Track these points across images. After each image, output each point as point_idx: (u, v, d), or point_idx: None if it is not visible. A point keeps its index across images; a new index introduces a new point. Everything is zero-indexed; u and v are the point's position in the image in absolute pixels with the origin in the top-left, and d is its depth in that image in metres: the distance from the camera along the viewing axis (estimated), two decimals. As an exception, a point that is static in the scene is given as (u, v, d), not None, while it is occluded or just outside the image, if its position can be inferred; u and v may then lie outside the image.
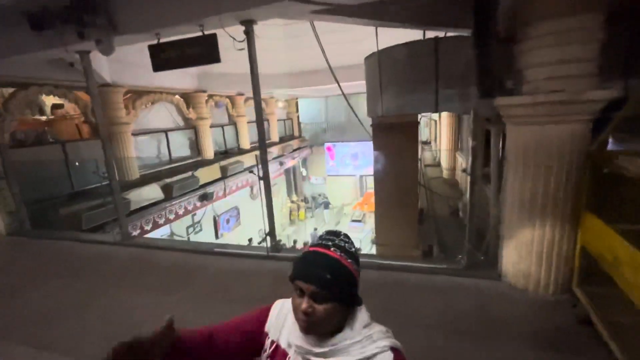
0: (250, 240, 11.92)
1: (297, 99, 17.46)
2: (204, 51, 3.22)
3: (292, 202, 16.99)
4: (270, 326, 0.87)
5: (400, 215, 5.23)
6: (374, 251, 12.64)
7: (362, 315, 0.81)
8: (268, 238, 3.89)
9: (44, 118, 8.95)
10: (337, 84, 10.67)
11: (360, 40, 8.59)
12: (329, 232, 0.90)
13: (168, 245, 4.24)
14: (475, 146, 2.95)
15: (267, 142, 14.14)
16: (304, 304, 0.74)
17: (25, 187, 5.31)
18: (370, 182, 21.48)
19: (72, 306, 3.01)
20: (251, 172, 4.11)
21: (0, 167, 4.90)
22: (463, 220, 5.20)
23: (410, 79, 3.66)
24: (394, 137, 5.03)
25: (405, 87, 3.72)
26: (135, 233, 6.72)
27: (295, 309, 0.76)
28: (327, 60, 5.17)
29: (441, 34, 3.66)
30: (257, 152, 12.63)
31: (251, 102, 12.99)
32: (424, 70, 3.54)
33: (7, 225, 5.01)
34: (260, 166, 3.76)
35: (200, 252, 3.99)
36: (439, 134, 9.60)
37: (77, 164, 6.34)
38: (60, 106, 8.77)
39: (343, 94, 6.41)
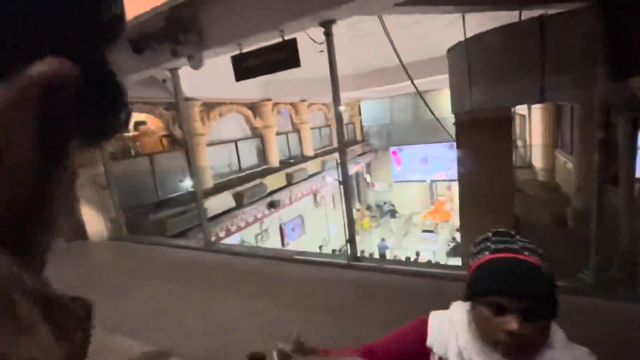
0: (320, 247, 12.10)
1: (359, 101, 17.53)
2: (285, 57, 3.41)
3: (357, 210, 16.90)
4: (433, 341, 0.83)
5: (492, 225, 4.82)
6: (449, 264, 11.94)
7: (559, 331, 0.73)
8: (348, 246, 3.90)
9: (130, 134, 10.41)
10: (407, 82, 10.46)
11: (430, 34, 8.31)
12: (500, 233, 0.84)
13: (249, 252, 4.52)
14: (603, 139, 2.59)
15: (328, 148, 14.47)
16: (514, 324, 0.65)
17: (120, 196, 6.19)
18: (441, 189, 20.49)
19: (171, 306, 3.37)
20: (335, 178, 4.18)
21: (104, 178, 5.78)
22: (575, 231, 4.60)
23: (507, 67, 3.40)
24: (483, 135, 4.70)
25: (500, 76, 3.47)
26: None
27: (494, 329, 0.68)
28: (398, 56, 5.09)
29: (533, 13, 3.34)
30: (322, 159, 12.84)
31: (314, 108, 13.38)
32: (524, 55, 3.27)
33: (110, 230, 5.87)
34: (340, 170, 3.81)
35: (280, 259, 4.17)
36: (529, 130, 8.72)
37: (161, 174, 7.17)
38: (143, 122, 10.13)
39: (417, 90, 6.23)
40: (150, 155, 7.08)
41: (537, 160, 7.64)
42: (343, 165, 3.78)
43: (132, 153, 7.90)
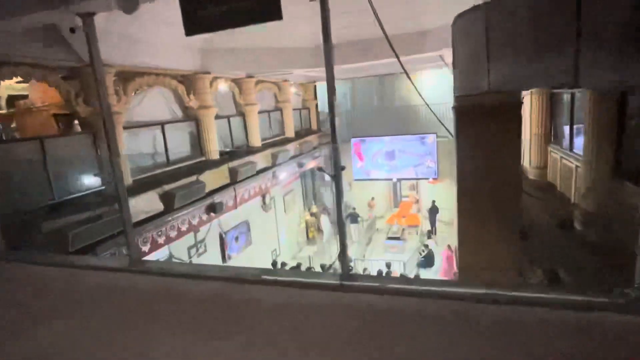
0: (274, 264, 11.73)
1: (314, 82, 17.33)
2: (260, 4, 2.97)
3: (312, 214, 16.74)
4: None
5: (495, 230, 4.90)
6: (422, 277, 12.35)
7: None
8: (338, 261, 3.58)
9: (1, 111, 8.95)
10: (375, 60, 10.47)
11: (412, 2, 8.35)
12: None
13: (197, 272, 3.97)
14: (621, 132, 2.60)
15: (280, 137, 14.10)
16: None
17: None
18: (405, 190, 21.27)
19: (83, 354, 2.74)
20: (320, 169, 3.84)
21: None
22: (585, 235, 4.84)
23: (533, 40, 3.35)
24: (487, 124, 4.73)
25: (526, 51, 3.41)
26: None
27: None
28: (383, 28, 4.91)
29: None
30: (273, 151, 12.48)
31: (262, 87, 12.89)
32: (555, 25, 3.23)
33: (-22, 246, 4.82)
34: (333, 158, 3.48)
35: (243, 281, 3.70)
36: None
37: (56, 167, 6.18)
38: (23, 96, 8.74)
39: (405, 71, 6.14)
40: (41, 140, 6.06)
41: (528, 156, 8.10)
42: (335, 154, 3.45)
43: (15, 136, 6.72)
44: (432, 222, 16.70)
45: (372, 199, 19.25)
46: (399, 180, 17.89)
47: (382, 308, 3.18)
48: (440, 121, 7.14)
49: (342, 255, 3.72)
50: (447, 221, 16.68)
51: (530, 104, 7.83)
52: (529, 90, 7.63)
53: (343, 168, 3.75)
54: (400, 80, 16.82)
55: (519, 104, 4.69)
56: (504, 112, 4.58)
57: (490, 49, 3.58)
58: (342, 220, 3.84)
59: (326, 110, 18.07)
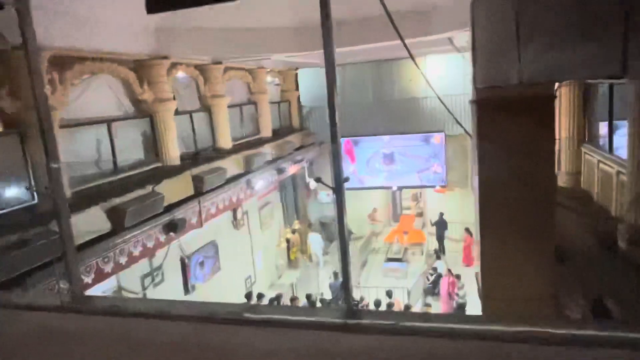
0: (248, 296, 11.64)
1: (296, 69, 17.36)
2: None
3: (294, 231, 16.66)
4: None
5: (526, 250, 4.93)
6: (432, 308, 12.34)
7: None
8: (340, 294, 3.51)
9: None
10: (373, 43, 10.53)
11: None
12: None
13: (159, 311, 3.81)
14: None
15: (256, 137, 14.04)
16: None
17: None
18: (407, 200, 21.40)
19: None
20: (319, 180, 3.79)
21: None
22: (632, 256, 4.89)
23: (574, 22, 3.38)
24: (516, 121, 4.77)
25: (564, 35, 3.43)
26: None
27: None
28: (383, 2, 4.92)
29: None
30: (247, 154, 12.42)
31: (232, 75, 12.84)
32: (600, 5, 3.27)
33: None
34: (333, 165, 3.43)
35: (220, 322, 3.59)
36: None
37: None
38: None
39: (410, 54, 6.15)
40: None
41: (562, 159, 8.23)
42: (336, 158, 3.39)
43: None
44: (440, 239, 16.83)
45: (374, 210, 19.36)
46: (400, 188, 17.99)
47: (395, 352, 3.13)
48: (455, 118, 7.18)
49: (345, 286, 3.66)
50: (458, 238, 16.82)
51: (559, 97, 7.97)
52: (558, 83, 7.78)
53: (347, 179, 3.70)
54: (400, 67, 16.98)
55: (553, 97, 4.75)
56: (536, 107, 4.62)
57: (522, 33, 3.60)
58: (345, 240, 3.78)
59: (311, 103, 18.25)
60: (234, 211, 12.34)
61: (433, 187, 16.93)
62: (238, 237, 12.88)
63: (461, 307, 11.63)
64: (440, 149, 16.16)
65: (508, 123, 4.82)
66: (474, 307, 11.38)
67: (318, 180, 3.82)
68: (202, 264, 10.96)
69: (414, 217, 20.05)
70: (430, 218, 18.29)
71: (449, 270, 13.27)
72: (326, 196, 19.76)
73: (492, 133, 4.94)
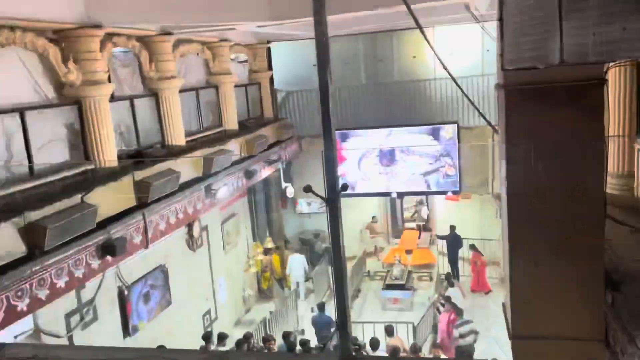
0: (208, 338, 11.66)
1: (268, 43, 17.35)
2: None
3: (266, 251, 16.64)
4: None
5: (568, 275, 4.93)
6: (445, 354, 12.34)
7: None
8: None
9: None
10: (364, 10, 10.59)
11: None
12: None
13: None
14: None
15: (217, 131, 13.99)
16: None
17: None
18: (410, 210, 21.51)
19: None
20: (310, 190, 3.75)
21: None
22: None
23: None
24: (554, 112, 4.77)
25: (619, 4, 3.44)
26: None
27: None
28: None
29: None
30: (206, 152, 12.35)
31: (187, 50, 12.79)
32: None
33: None
34: (325, 172, 3.43)
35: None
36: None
37: None
38: None
39: (418, 23, 6.09)
40: None
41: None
42: (329, 163, 3.38)
43: None
44: (453, 261, 16.97)
45: (374, 219, 19.50)
46: (401, 196, 18.08)
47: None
48: (475, 106, 7.17)
49: (342, 325, 3.62)
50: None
51: (610, 80, 8.06)
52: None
53: (345, 188, 3.66)
54: (402, 41, 17.13)
55: (603, 81, 4.76)
56: (582, 94, 4.60)
57: (565, 2, 3.60)
58: (343, 264, 3.75)
59: (287, 87, 18.29)
60: (189, 226, 12.37)
61: (444, 193, 17.02)
62: (194, 260, 12.92)
63: (466, 352, 11.57)
64: (453, 146, 16.32)
65: (545, 114, 4.81)
66: (491, 351, 11.48)
67: (308, 189, 3.77)
68: (146, 296, 10.96)
69: (418, 232, 20.20)
70: (439, 233, 18.45)
71: (448, 301, 13.20)
72: (306, 206, 19.86)
73: (524, 126, 4.91)
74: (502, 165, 5.45)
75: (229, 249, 15.10)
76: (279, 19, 10.52)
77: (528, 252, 5.18)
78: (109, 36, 10.07)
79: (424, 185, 16.77)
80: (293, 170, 18.39)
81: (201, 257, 13.20)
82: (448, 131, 16.40)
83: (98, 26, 9.36)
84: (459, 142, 16.17)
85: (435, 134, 16.46)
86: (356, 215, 18.79)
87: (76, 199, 8.29)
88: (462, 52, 15.55)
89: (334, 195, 3.46)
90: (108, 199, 8.96)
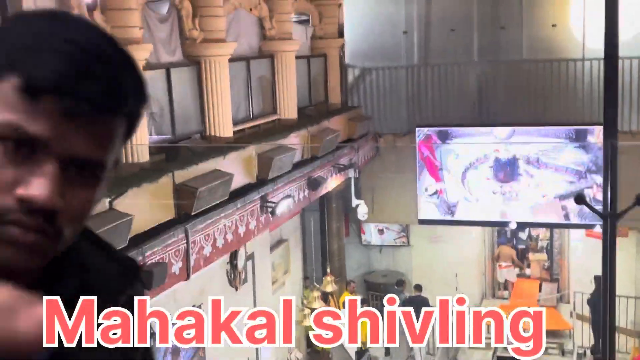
0: None
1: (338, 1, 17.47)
2: None
3: (325, 295, 16.65)
4: None
5: None
6: None
7: None
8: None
9: None
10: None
11: None
12: None
13: None
14: None
15: (271, 119, 14.11)
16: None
17: None
18: (537, 253, 21.22)
19: None
20: (581, 201, 3.88)
21: None
22: None
23: None
24: None
25: None
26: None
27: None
28: None
29: None
30: (261, 149, 12.65)
31: (239, 1, 13.00)
32: None
33: None
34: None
35: None
36: None
37: None
38: None
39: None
40: None
41: None
42: (611, 163, 3.49)
43: None
44: (598, 329, 16.70)
45: (499, 249, 19.67)
46: (524, 227, 17.97)
47: None
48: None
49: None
50: (632, 329, 16.62)
51: None
52: None
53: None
54: (536, 2, 16.96)
55: None
56: None
57: None
58: (613, 312, 3.82)
59: (363, 62, 18.38)
60: (233, 255, 12.47)
61: (591, 227, 16.70)
62: (235, 302, 12.83)
63: None
64: (600, 154, 16.00)
65: None
66: None
67: (580, 200, 3.91)
68: (175, 352, 11.10)
69: (538, 282, 19.93)
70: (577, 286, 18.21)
71: None
72: (377, 234, 19.81)
73: None
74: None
75: (275, 288, 15.14)
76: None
77: None
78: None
79: (559, 213, 16.55)
80: (364, 182, 18.07)
81: (245, 298, 13.22)
82: (596, 135, 16.17)
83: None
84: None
85: (579, 138, 16.24)
86: (444, 252, 18.97)
87: (103, 203, 8.48)
88: (629, 21, 15.18)
89: (613, 210, 3.55)
90: (142, 206, 9.14)
